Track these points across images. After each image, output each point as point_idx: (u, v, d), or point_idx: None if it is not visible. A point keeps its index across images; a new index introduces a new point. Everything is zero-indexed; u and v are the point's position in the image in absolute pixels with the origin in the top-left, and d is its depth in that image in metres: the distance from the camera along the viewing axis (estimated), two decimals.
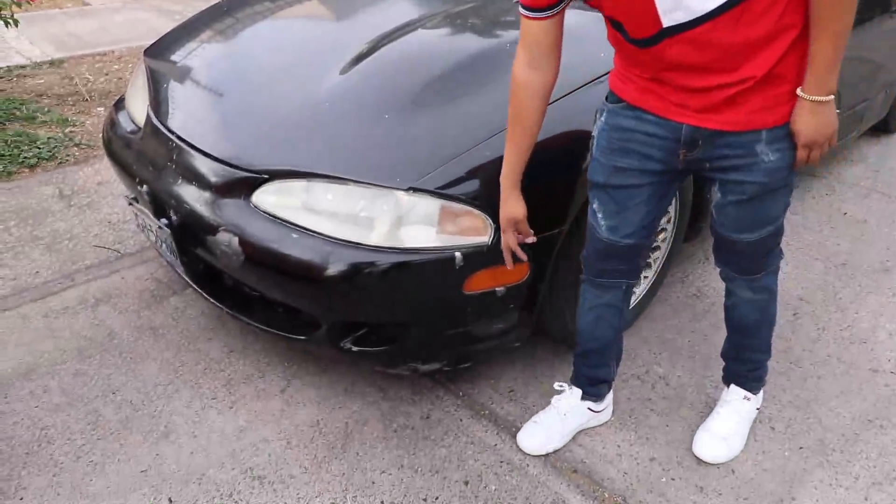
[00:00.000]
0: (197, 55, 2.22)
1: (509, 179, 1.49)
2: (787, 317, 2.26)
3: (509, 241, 1.54)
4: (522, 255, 1.56)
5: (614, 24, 1.33)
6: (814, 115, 1.29)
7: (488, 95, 1.76)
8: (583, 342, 1.72)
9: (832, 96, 1.28)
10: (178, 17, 5.19)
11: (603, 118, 1.48)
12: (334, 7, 2.52)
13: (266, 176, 1.69)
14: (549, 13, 1.34)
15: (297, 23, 2.36)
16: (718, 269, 1.65)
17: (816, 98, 1.27)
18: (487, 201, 1.58)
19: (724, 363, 1.84)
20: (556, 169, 1.69)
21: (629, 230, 1.51)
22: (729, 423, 1.77)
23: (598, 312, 1.66)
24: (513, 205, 1.51)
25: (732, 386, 1.82)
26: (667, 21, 1.22)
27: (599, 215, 1.53)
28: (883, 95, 3.26)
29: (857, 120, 3.09)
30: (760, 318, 1.67)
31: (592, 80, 1.78)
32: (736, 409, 1.79)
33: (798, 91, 1.28)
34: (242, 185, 1.71)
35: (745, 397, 1.79)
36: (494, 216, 1.58)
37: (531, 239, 1.57)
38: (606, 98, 1.49)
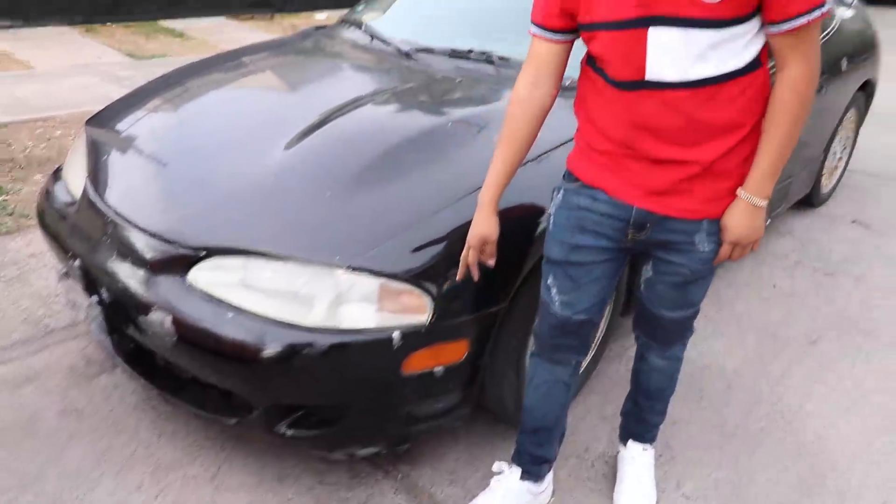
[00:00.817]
0: (140, 126, 2.20)
1: (489, 196, 1.51)
2: (720, 389, 2.30)
3: (471, 259, 1.54)
4: (476, 275, 1.56)
5: (596, 68, 1.38)
6: (748, 216, 1.38)
7: (431, 174, 1.80)
8: (530, 419, 1.71)
9: (766, 203, 1.37)
10: (127, 82, 5.17)
11: (560, 196, 1.54)
12: (282, 80, 2.56)
13: (203, 252, 1.66)
14: (559, 37, 1.40)
15: (245, 95, 2.38)
16: (635, 335, 1.73)
17: (755, 200, 1.36)
18: (427, 279, 1.59)
19: (622, 420, 1.91)
20: (503, 246, 1.73)
21: (583, 306, 1.54)
22: (641, 480, 1.83)
23: (548, 388, 1.67)
24: (486, 223, 1.51)
25: (630, 442, 1.89)
26: (650, 74, 1.28)
27: (554, 291, 1.55)
28: (807, 172, 3.45)
29: (783, 196, 3.26)
30: (667, 384, 1.76)
31: (535, 158, 1.84)
32: (641, 463, 1.85)
33: (738, 190, 1.37)
34: (178, 261, 1.68)
35: (643, 448, 1.87)
36: (433, 294, 1.59)
37: (491, 262, 1.57)
38: (564, 177, 1.55)
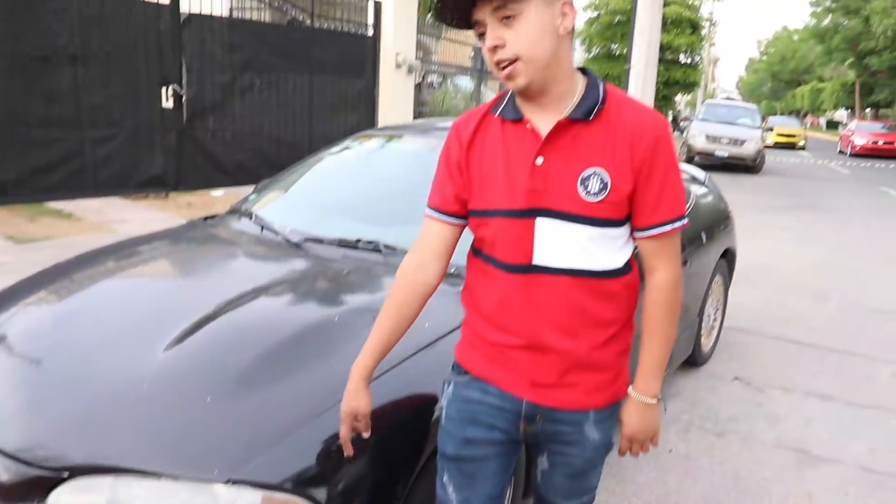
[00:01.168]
0: (11, 324, 2.08)
1: (362, 369, 1.49)
2: None
3: (342, 434, 1.49)
4: (349, 451, 1.50)
5: (484, 256, 1.45)
6: (640, 414, 1.46)
7: (317, 371, 1.76)
8: None
9: (657, 400, 1.45)
10: (5, 268, 4.92)
11: (450, 389, 1.54)
12: (168, 274, 2.52)
13: (65, 473, 1.52)
14: (452, 220, 1.48)
15: (128, 291, 2.31)
16: None
17: (644, 399, 1.44)
18: (314, 486, 1.51)
19: None
20: (397, 439, 1.68)
21: (479, 498, 1.50)
22: None
23: None
24: (358, 397, 1.48)
25: None
26: (537, 259, 1.37)
27: (450, 489, 1.51)
28: (686, 335, 3.66)
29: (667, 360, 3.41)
30: None
31: (429, 344, 1.85)
32: None
33: (629, 389, 1.46)
34: (36, 484, 1.52)
35: None
36: (322, 502, 1.50)
37: (366, 434, 1.52)
38: (453, 368, 1.56)
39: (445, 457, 1.52)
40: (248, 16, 8.92)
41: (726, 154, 15.79)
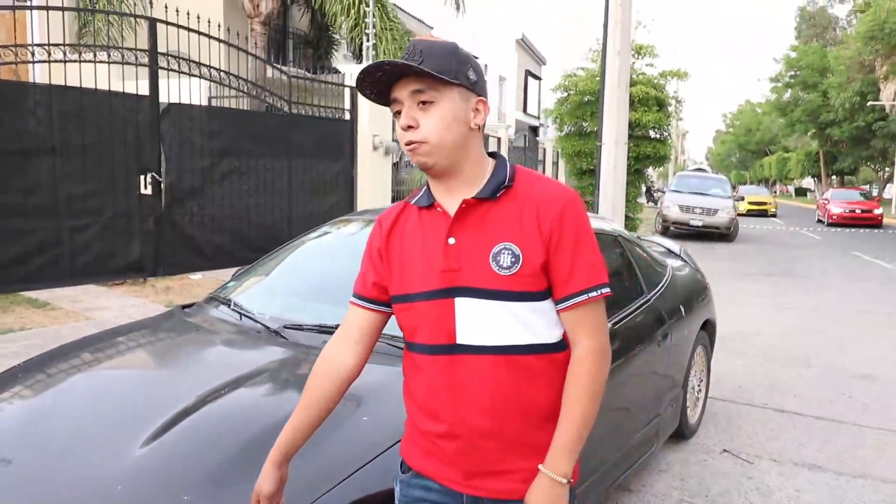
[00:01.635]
0: None
1: (274, 451, 1.49)
2: None
3: None
4: None
5: (410, 345, 1.45)
6: (546, 493, 1.33)
7: (297, 464, 1.70)
8: None
9: (567, 482, 1.33)
10: None
11: (398, 489, 1.51)
12: (145, 367, 2.48)
13: None
14: (372, 306, 1.49)
15: (104, 385, 2.27)
16: None
17: (553, 476, 1.33)
18: None
19: None
20: None
21: None
22: None
23: None
24: (264, 478, 1.48)
25: None
26: (460, 338, 1.36)
27: None
28: (672, 409, 3.63)
29: (654, 434, 3.38)
30: None
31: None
32: None
33: (539, 465, 1.35)
34: None
35: None
36: None
37: None
38: (399, 466, 1.52)
39: None
40: (226, 104, 9.11)
41: (701, 223, 16.15)
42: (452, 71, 1.34)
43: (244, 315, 2.63)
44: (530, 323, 1.35)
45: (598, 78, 10.44)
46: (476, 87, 1.38)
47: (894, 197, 33.02)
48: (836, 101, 35.63)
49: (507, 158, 1.48)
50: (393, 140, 10.71)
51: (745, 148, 69.80)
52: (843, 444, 4.10)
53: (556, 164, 21.22)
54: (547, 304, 1.37)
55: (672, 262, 4.19)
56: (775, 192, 61.88)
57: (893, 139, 32.15)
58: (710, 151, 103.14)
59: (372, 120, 9.95)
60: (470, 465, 1.39)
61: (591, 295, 1.35)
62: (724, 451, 3.91)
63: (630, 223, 13.21)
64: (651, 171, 19.83)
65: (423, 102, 1.34)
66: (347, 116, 9.89)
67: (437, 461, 1.42)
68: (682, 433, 3.92)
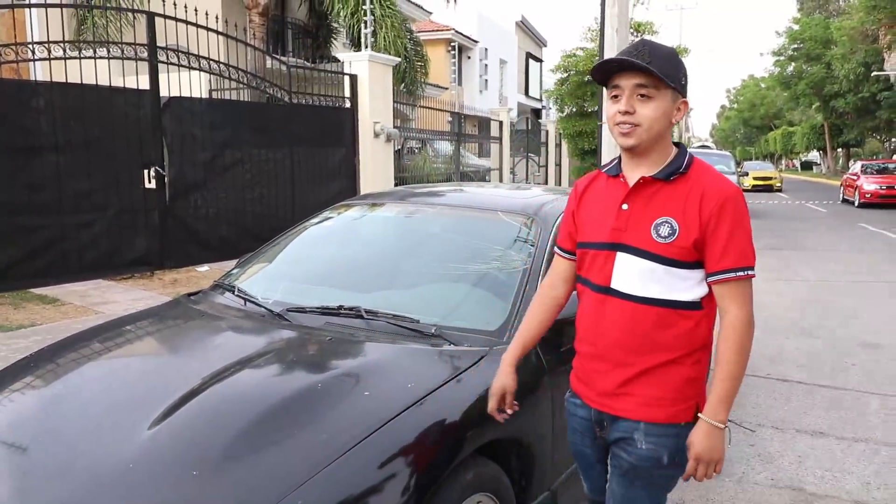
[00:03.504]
0: None
1: (510, 357, 1.91)
2: None
3: (490, 407, 1.89)
4: (500, 418, 1.91)
5: (582, 280, 1.82)
6: (706, 437, 1.63)
7: (301, 440, 1.77)
8: None
9: (724, 427, 1.62)
10: None
11: (567, 407, 1.94)
12: (152, 353, 2.54)
13: None
14: (565, 255, 1.90)
15: (113, 371, 2.32)
16: None
17: (711, 422, 1.62)
18: None
19: None
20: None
21: (599, 488, 1.89)
22: None
23: None
24: (506, 377, 1.89)
25: None
26: (614, 283, 1.72)
27: (582, 478, 1.98)
28: None
29: None
30: None
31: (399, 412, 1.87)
32: None
33: (700, 414, 1.65)
34: None
35: None
36: None
37: (509, 411, 1.91)
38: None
39: (575, 457, 1.97)
40: (228, 96, 9.14)
41: None
42: (672, 75, 1.64)
43: (248, 300, 2.69)
44: (672, 284, 1.66)
45: (596, 57, 10.40)
46: (683, 91, 1.69)
47: None
48: (840, 72, 35.24)
49: (686, 148, 1.76)
50: (394, 127, 10.73)
51: (750, 123, 69.26)
52: (845, 410, 4.14)
53: (558, 145, 21.13)
54: (692, 273, 1.66)
55: None
56: (781, 167, 61.46)
57: None
58: (714, 128, 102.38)
59: (373, 107, 9.96)
60: (601, 385, 1.76)
61: (738, 273, 1.63)
62: (728, 420, 3.95)
63: None
64: None
65: (643, 95, 1.63)
66: (348, 104, 9.91)
67: (582, 382, 1.84)
68: None
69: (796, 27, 41.36)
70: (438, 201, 3.32)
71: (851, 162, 50.95)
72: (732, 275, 1.63)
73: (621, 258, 1.70)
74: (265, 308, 2.58)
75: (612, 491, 1.80)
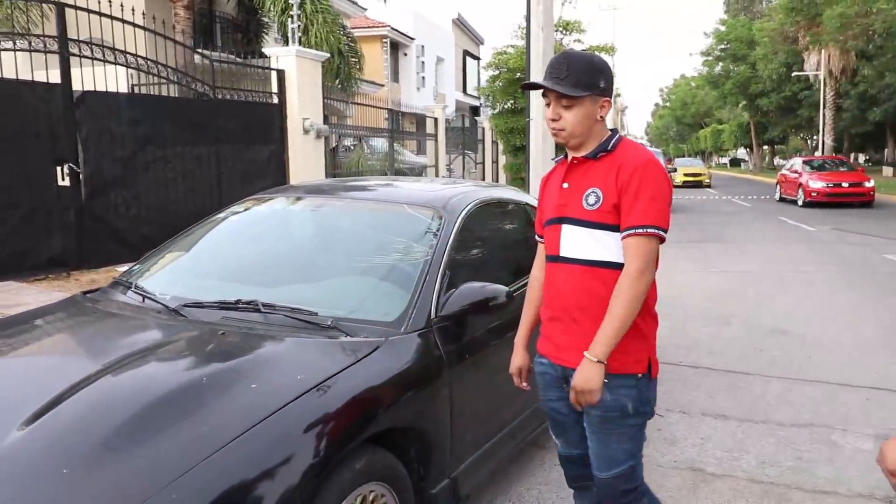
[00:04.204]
0: None
1: (520, 339, 2.24)
2: None
3: (516, 383, 2.23)
4: (527, 388, 2.22)
5: (547, 256, 2.08)
6: (583, 369, 1.87)
7: (182, 433, 1.74)
8: None
9: (601, 363, 1.85)
10: None
11: (536, 367, 2.15)
12: (35, 353, 2.44)
13: None
14: (542, 240, 2.17)
15: None
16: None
17: (589, 356, 1.86)
18: None
19: None
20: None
21: (574, 443, 2.11)
22: None
23: None
24: (518, 358, 2.21)
25: None
26: (563, 251, 2.00)
27: (553, 436, 2.20)
28: None
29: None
30: None
31: (286, 404, 1.86)
32: None
33: (584, 352, 1.88)
34: None
35: None
36: None
37: (524, 385, 2.21)
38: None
39: (546, 414, 2.17)
40: (155, 91, 8.87)
41: None
42: (588, 83, 1.91)
43: (146, 297, 2.62)
44: (607, 245, 1.92)
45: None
46: (605, 92, 1.95)
47: None
48: (764, 72, 36.80)
49: (618, 133, 2.03)
50: (325, 123, 10.62)
51: (682, 121, 71.49)
52: (749, 394, 4.33)
53: (495, 142, 21.33)
54: (619, 235, 1.90)
55: None
56: (712, 163, 63.58)
57: (818, 108, 33.40)
58: (649, 126, 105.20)
59: (301, 104, 9.84)
60: (560, 342, 2.00)
61: (637, 231, 1.87)
62: None
63: None
64: None
65: (566, 105, 1.93)
66: (276, 100, 9.76)
67: (546, 342, 2.08)
68: None
69: (723, 28, 42.90)
70: (347, 195, 3.31)
71: (777, 159, 53.21)
72: (633, 231, 1.87)
73: (566, 229, 1.98)
74: (161, 304, 2.53)
75: (593, 451, 2.01)
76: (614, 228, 1.90)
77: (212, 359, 2.12)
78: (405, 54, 27.26)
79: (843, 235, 12.45)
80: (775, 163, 53.04)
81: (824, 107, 32.58)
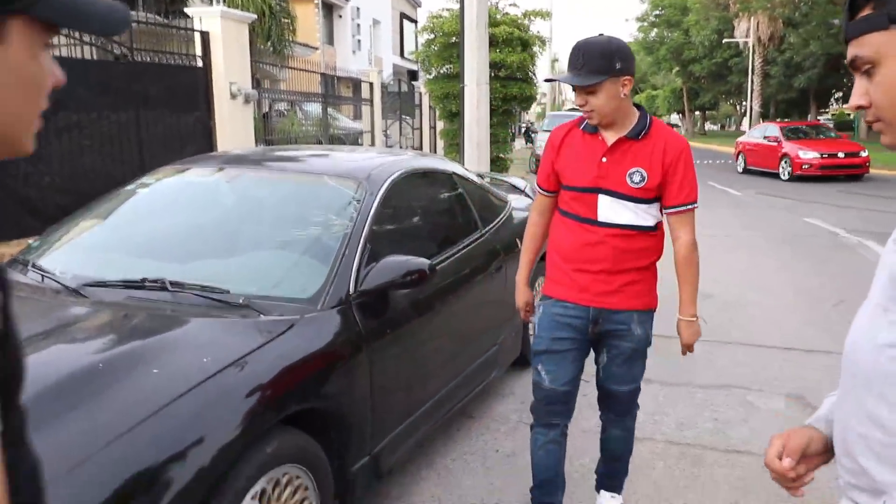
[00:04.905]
0: None
1: (523, 277, 2.57)
2: None
3: (522, 317, 2.66)
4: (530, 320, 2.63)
5: (568, 214, 2.34)
6: (687, 328, 2.38)
7: (75, 423, 1.64)
8: (538, 474, 2.48)
9: (695, 318, 2.38)
10: None
11: (541, 310, 2.43)
12: None
13: None
14: (551, 195, 2.43)
15: None
16: (600, 413, 2.56)
17: (687, 318, 2.37)
18: None
19: (596, 477, 2.71)
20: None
21: (566, 379, 2.38)
22: None
23: (547, 448, 2.45)
24: (522, 294, 2.58)
25: (603, 491, 2.67)
26: (600, 217, 2.27)
27: (543, 372, 2.40)
28: (513, 336, 3.79)
29: (493, 362, 3.52)
30: (624, 447, 2.56)
31: (192, 387, 1.78)
32: None
33: (679, 315, 2.38)
34: None
35: (612, 496, 2.65)
36: None
37: (528, 318, 2.64)
38: (541, 299, 2.45)
39: (538, 353, 2.41)
40: (64, 53, 8.34)
41: None
42: (604, 68, 2.12)
43: (46, 276, 2.47)
44: (640, 214, 2.25)
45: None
46: (623, 72, 2.14)
47: (748, 130, 35.44)
48: (697, 38, 37.49)
49: (646, 111, 2.31)
50: (253, 88, 10.25)
51: None
52: (673, 357, 4.43)
53: (432, 108, 21.13)
54: (650, 206, 2.26)
55: (513, 198, 4.31)
56: None
57: (747, 74, 34.34)
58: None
59: (228, 67, 9.44)
60: (599, 289, 2.29)
61: (688, 207, 2.27)
62: None
63: (500, 163, 13.44)
64: (531, 111, 20.00)
65: (589, 92, 2.15)
66: (200, 63, 9.34)
67: (576, 291, 2.32)
68: (525, 360, 4.10)
69: None
70: (266, 165, 3.18)
71: (707, 124, 54.49)
72: (684, 208, 2.26)
73: (603, 199, 2.24)
74: (61, 284, 2.38)
75: (614, 372, 2.39)
76: (651, 202, 2.25)
77: (111, 343, 2.01)
78: (340, 16, 26.55)
79: (769, 200, 12.89)
80: (706, 128, 54.44)
81: (753, 73, 33.53)
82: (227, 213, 2.89)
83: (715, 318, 5.32)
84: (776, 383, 4.04)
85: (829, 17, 24.94)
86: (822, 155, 15.74)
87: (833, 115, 41.56)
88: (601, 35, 2.23)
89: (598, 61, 2.12)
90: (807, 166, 15.74)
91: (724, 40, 35.21)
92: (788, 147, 16.46)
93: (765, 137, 17.85)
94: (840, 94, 42.25)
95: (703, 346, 4.63)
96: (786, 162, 16.38)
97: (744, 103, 43.02)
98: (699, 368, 4.27)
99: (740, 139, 20.18)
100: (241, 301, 2.21)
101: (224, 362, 1.89)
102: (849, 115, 36.87)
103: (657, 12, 43.13)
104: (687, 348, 2.42)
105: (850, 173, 15.88)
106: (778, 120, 32.12)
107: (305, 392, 2.07)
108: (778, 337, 4.88)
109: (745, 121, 41.69)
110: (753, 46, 32.74)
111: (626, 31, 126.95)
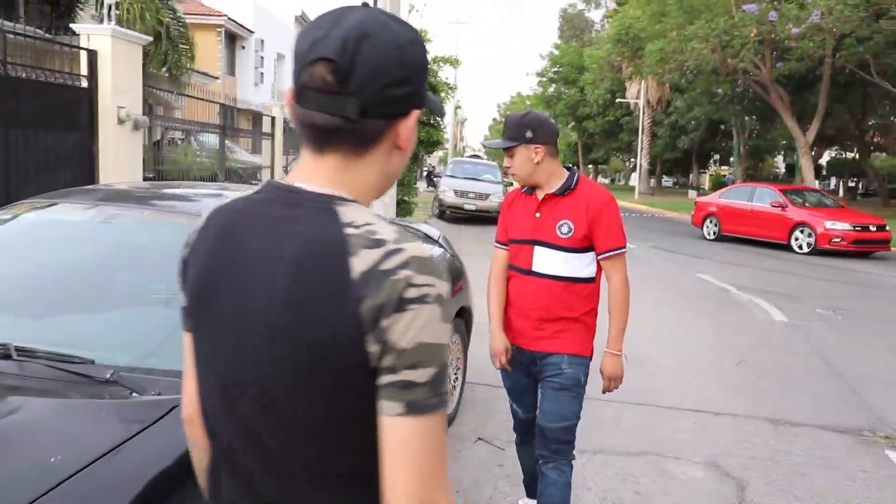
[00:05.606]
0: None
1: (497, 325, 2.65)
2: None
3: (503, 363, 2.66)
4: (508, 368, 2.68)
5: (511, 266, 2.63)
6: (612, 363, 2.57)
7: None
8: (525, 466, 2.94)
9: (619, 353, 2.57)
10: None
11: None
12: None
13: None
14: (503, 247, 2.70)
15: None
16: (537, 457, 2.59)
17: (614, 352, 2.56)
18: None
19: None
20: None
21: (528, 410, 2.71)
22: None
23: (527, 453, 2.85)
24: (501, 341, 2.64)
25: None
26: (535, 268, 2.53)
27: (514, 406, 2.79)
28: None
29: None
30: (560, 500, 2.53)
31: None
32: None
33: (606, 350, 2.57)
34: None
35: None
36: None
37: (506, 366, 2.67)
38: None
39: (508, 390, 2.78)
40: None
41: (474, 207, 16.76)
42: (516, 137, 2.47)
43: None
44: (573, 265, 2.48)
45: None
46: (533, 140, 2.46)
47: (637, 185, 37.35)
48: (591, 96, 39.40)
49: (574, 171, 2.62)
50: (144, 114, 9.55)
51: None
52: (588, 420, 4.25)
53: None
54: (584, 255, 2.49)
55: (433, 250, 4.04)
56: None
57: (636, 133, 36.28)
58: (486, 139, 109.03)
59: (117, 90, 8.73)
60: (534, 334, 2.54)
61: (615, 252, 2.49)
62: (479, 439, 3.87)
63: (406, 207, 13.23)
64: (434, 156, 20.02)
65: (509, 155, 2.51)
66: (85, 84, 8.59)
67: (517, 334, 2.60)
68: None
69: (557, 52, 45.40)
70: (151, 203, 2.74)
71: (600, 178, 57.04)
72: (612, 253, 2.49)
73: (538, 250, 2.51)
74: None
75: (546, 409, 2.52)
76: (580, 251, 2.47)
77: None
78: (243, 47, 25.85)
79: (662, 254, 13.33)
80: (598, 180, 56.94)
81: (642, 132, 35.49)
82: (98, 261, 2.41)
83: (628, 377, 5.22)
84: (691, 449, 3.92)
85: (712, 86, 26.79)
86: (854, 227, 13.20)
87: (711, 175, 44.52)
88: (527, 112, 2.55)
89: (513, 130, 2.49)
90: (838, 240, 13.21)
91: (617, 100, 37.14)
92: (803, 216, 13.87)
93: (773, 204, 14.59)
94: (717, 156, 45.51)
95: (611, 407, 4.50)
96: (805, 234, 13.74)
97: (632, 160, 45.37)
98: (611, 431, 4.10)
99: (702, 199, 17.31)
100: (108, 376, 1.78)
101: (81, 463, 1.46)
102: (723, 175, 39.66)
103: (556, 69, 45.05)
104: (610, 382, 2.59)
105: (879, 249, 13.79)
106: (658, 178, 33.79)
107: (188, 499, 1.65)
108: (686, 397, 4.81)
109: (634, 175, 43.95)
110: (643, 107, 34.71)
111: (527, 85, 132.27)
